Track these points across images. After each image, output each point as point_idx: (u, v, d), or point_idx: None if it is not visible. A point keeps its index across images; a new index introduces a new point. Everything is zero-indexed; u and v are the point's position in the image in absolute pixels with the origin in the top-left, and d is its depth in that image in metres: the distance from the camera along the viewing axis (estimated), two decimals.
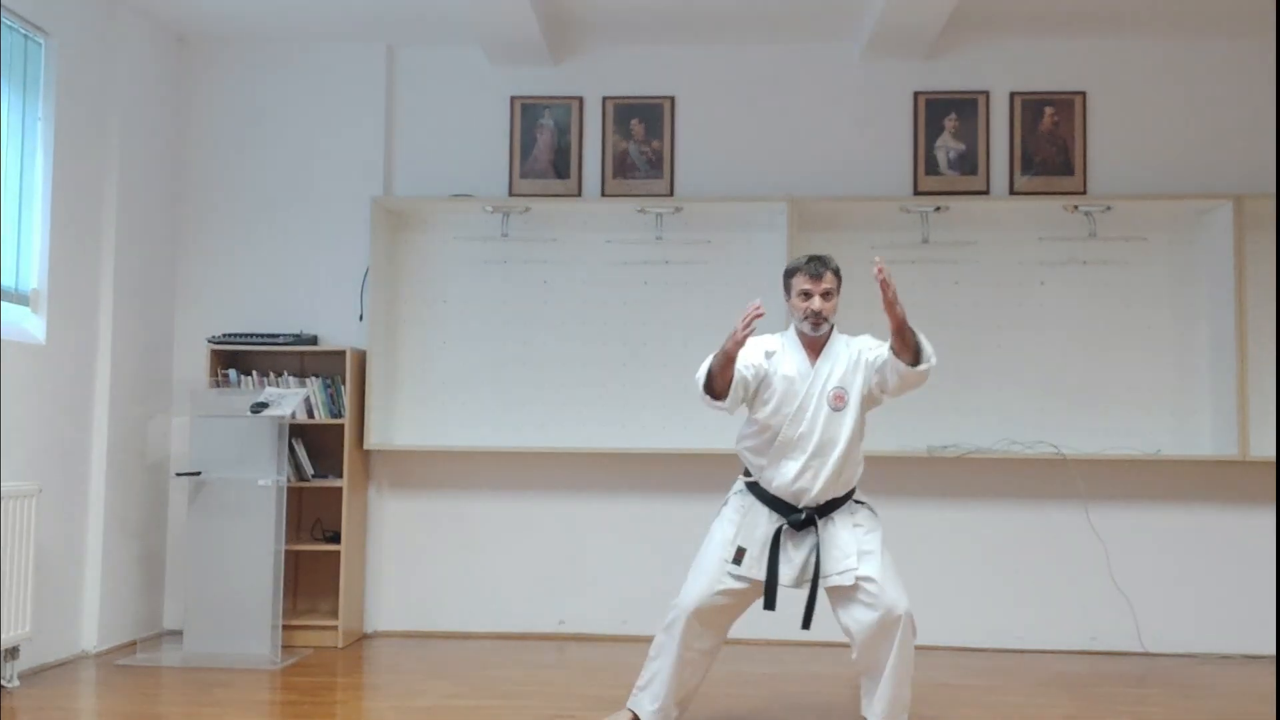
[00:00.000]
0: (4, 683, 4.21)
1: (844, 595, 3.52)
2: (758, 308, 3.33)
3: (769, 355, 3.63)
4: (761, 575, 3.54)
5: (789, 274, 3.66)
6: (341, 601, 5.12)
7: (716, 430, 5.29)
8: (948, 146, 5.42)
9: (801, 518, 3.53)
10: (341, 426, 5.21)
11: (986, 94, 5.42)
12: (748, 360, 3.56)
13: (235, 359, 5.32)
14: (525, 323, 5.45)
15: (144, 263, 5.28)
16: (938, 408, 5.06)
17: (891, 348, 3.46)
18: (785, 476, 3.55)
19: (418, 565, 5.43)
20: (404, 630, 5.41)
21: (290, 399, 4.92)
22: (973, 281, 5.29)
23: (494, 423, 5.40)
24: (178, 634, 4.99)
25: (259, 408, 4.84)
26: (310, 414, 5.23)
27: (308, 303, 5.48)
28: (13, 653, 4.25)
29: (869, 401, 3.61)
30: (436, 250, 5.49)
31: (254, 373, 5.28)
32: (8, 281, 4.48)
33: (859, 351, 3.61)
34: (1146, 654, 5.10)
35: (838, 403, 3.54)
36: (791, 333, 3.68)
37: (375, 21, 5.32)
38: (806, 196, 5.21)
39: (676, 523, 5.35)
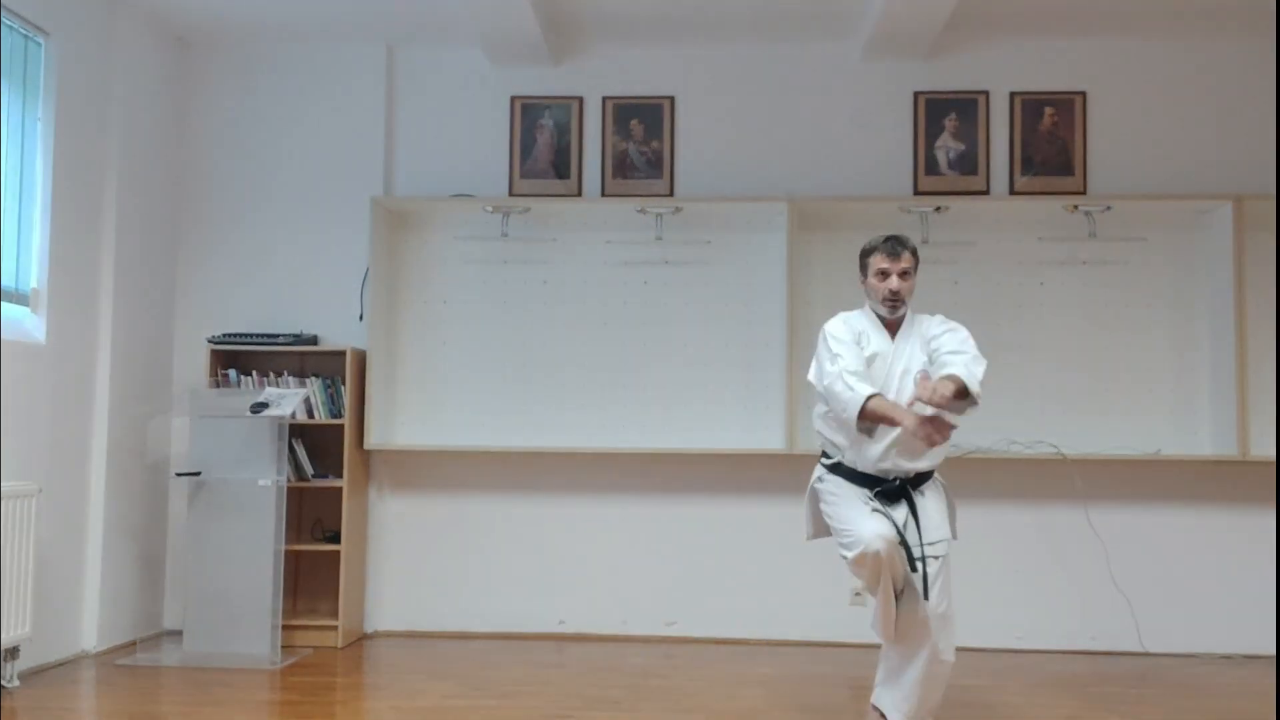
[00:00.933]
0: (4, 683, 4.21)
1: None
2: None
3: (857, 331, 3.58)
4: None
5: (865, 253, 3.63)
6: (341, 601, 5.12)
7: (716, 430, 5.32)
8: (948, 146, 5.42)
9: (895, 485, 3.49)
10: (341, 426, 5.21)
11: (986, 94, 5.42)
12: (852, 344, 3.51)
13: (235, 359, 5.32)
14: (525, 323, 5.45)
15: (144, 263, 5.28)
16: None
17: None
18: (870, 456, 3.51)
19: (418, 565, 5.43)
20: (404, 630, 5.41)
21: (290, 399, 4.92)
22: (973, 281, 5.30)
23: (494, 423, 5.40)
24: (178, 634, 4.99)
25: (259, 408, 4.84)
26: (310, 414, 5.23)
27: (308, 303, 5.48)
28: (13, 653, 4.25)
29: None
30: (436, 250, 5.49)
31: (254, 373, 5.28)
32: (8, 281, 4.48)
33: (931, 336, 3.56)
34: (1146, 654, 5.10)
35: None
36: (867, 309, 3.66)
37: (375, 21, 5.32)
38: (806, 196, 5.22)
39: (677, 523, 5.37)
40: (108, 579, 4.95)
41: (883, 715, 3.58)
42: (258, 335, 5.28)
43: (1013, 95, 5.41)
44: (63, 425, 4.74)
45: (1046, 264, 5.30)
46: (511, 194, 5.48)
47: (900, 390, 3.52)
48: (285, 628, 4.89)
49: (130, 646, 5.00)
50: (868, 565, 3.38)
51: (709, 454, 5.21)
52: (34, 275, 4.66)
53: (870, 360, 3.55)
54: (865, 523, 3.41)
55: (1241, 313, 4.93)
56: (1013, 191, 5.37)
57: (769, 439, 5.21)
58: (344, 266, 5.46)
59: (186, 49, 5.61)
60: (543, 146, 5.52)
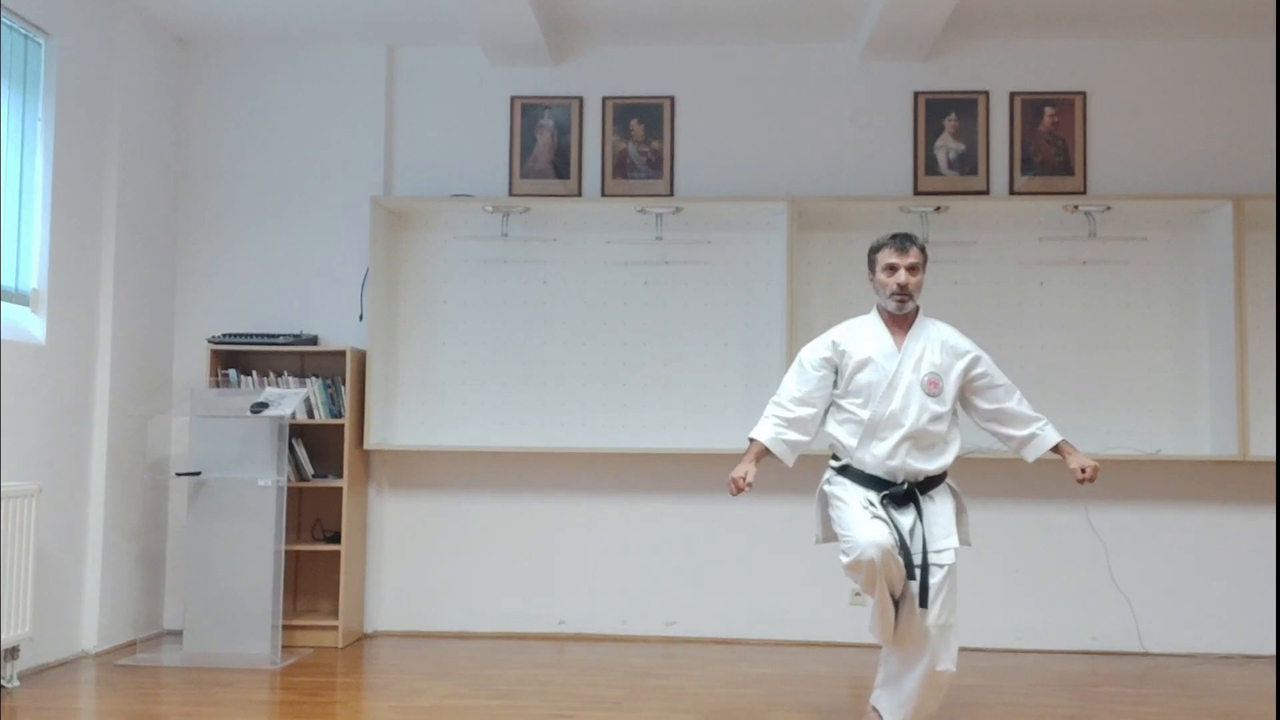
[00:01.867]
0: (4, 683, 4.21)
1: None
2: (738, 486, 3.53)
3: (838, 348, 3.62)
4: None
5: (874, 250, 3.65)
6: (341, 601, 5.12)
7: (716, 430, 5.31)
8: (948, 146, 5.42)
9: (902, 490, 3.49)
10: (341, 426, 5.21)
11: (986, 94, 5.42)
12: (809, 372, 3.63)
13: (235, 359, 5.32)
14: (525, 323, 5.45)
15: (144, 263, 5.28)
16: None
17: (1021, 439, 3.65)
18: (877, 456, 3.51)
19: (418, 565, 5.43)
20: (404, 630, 5.41)
21: (290, 399, 4.92)
22: (973, 281, 5.29)
23: (494, 423, 5.40)
24: (178, 634, 4.99)
25: (259, 408, 4.84)
26: (310, 414, 5.23)
27: (308, 303, 5.48)
28: (13, 653, 4.25)
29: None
30: (436, 250, 5.49)
31: (254, 373, 5.28)
32: (8, 281, 4.48)
33: (956, 353, 3.60)
34: (1146, 654, 5.10)
35: (932, 388, 3.52)
36: (874, 313, 3.68)
37: (375, 22, 5.32)
38: (806, 196, 5.22)
39: (677, 523, 5.37)
40: (108, 579, 4.95)
41: (881, 717, 3.58)
42: (258, 335, 5.28)
43: (1013, 95, 5.41)
44: (63, 425, 4.74)
45: (1046, 264, 5.30)
46: (511, 194, 5.48)
47: (910, 390, 3.52)
48: (285, 628, 4.90)
49: (130, 646, 5.00)
50: (862, 571, 3.39)
51: (709, 454, 5.21)
52: (34, 275, 4.66)
53: (862, 365, 3.57)
54: (863, 528, 3.41)
55: (1241, 312, 4.93)
56: (1013, 191, 5.36)
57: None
58: (344, 266, 5.46)
59: (186, 49, 5.61)
60: (543, 146, 5.52)
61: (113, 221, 5.04)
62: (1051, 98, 5.40)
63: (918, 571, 3.37)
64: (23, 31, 4.57)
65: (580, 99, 5.53)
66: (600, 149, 5.50)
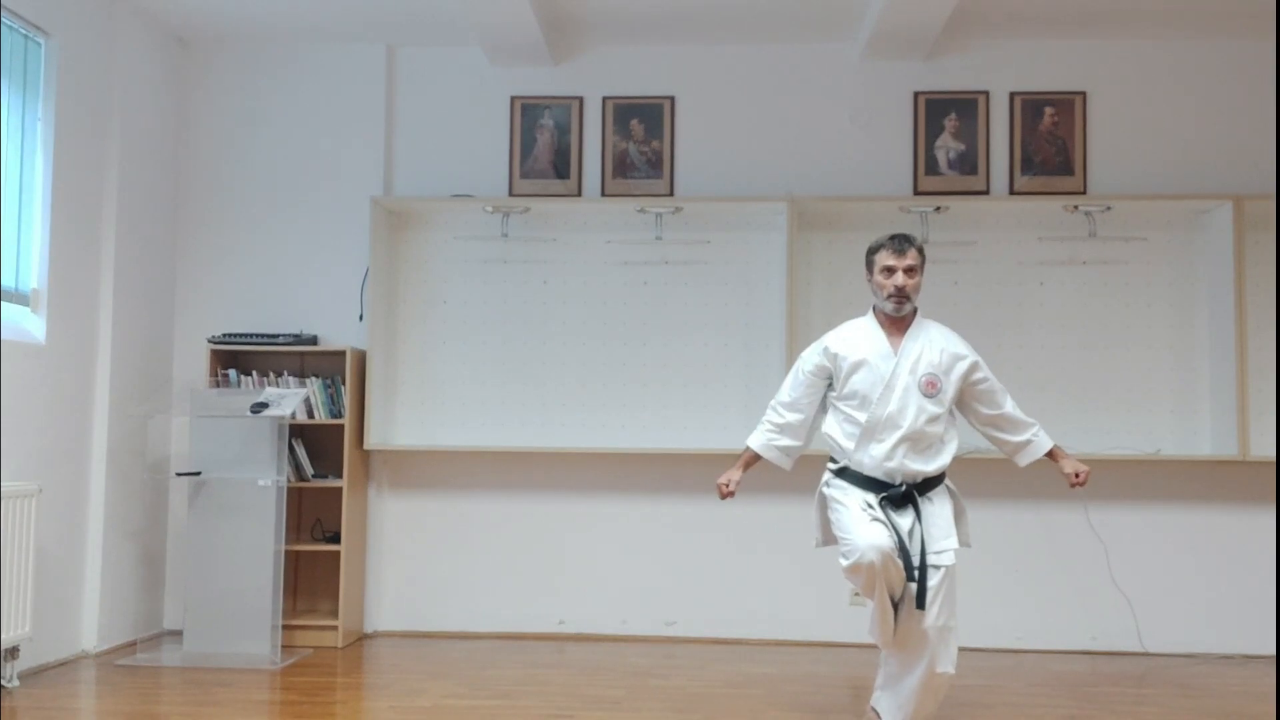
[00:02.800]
0: (4, 683, 4.21)
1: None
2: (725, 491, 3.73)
3: (829, 352, 3.64)
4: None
5: (872, 251, 3.65)
6: (341, 601, 5.12)
7: (716, 431, 5.31)
8: (948, 146, 5.41)
9: (900, 491, 3.50)
10: (341, 426, 5.21)
11: (986, 94, 5.42)
12: (808, 377, 3.67)
13: (235, 359, 5.33)
14: (525, 323, 5.45)
15: (144, 263, 5.28)
16: None
17: (1014, 443, 3.71)
18: (875, 457, 3.52)
19: (418, 565, 5.43)
20: (404, 630, 5.41)
21: (290, 399, 4.92)
22: (973, 281, 5.29)
23: (494, 423, 5.41)
24: (178, 634, 5.00)
25: (259, 408, 4.84)
26: (310, 414, 5.23)
27: (308, 303, 5.48)
28: (13, 653, 4.25)
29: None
30: (436, 250, 5.49)
31: (254, 373, 5.28)
32: (8, 281, 4.48)
33: (955, 356, 3.61)
34: (1146, 654, 5.10)
35: (930, 389, 3.53)
36: (870, 315, 3.68)
37: (375, 21, 5.32)
38: (806, 196, 5.22)
39: (677, 523, 5.37)
40: (108, 579, 4.95)
41: (880, 718, 3.58)
42: (258, 335, 5.28)
43: (1013, 95, 5.41)
44: (63, 425, 4.74)
45: (1046, 264, 5.29)
46: (511, 194, 5.48)
47: (907, 391, 3.52)
48: (285, 628, 4.90)
49: (130, 646, 5.00)
50: (862, 574, 3.40)
51: (709, 454, 5.21)
52: (34, 275, 4.66)
53: (857, 367, 3.58)
54: (862, 531, 3.41)
55: (1241, 313, 4.93)
56: (1013, 191, 5.36)
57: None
58: (344, 266, 5.46)
59: (186, 49, 5.61)
60: (543, 146, 5.52)
61: (113, 221, 5.04)
62: (1051, 98, 5.40)
63: (916, 573, 3.37)
64: (23, 31, 4.57)
65: (580, 99, 5.53)
66: (600, 149, 5.50)
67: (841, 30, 5.32)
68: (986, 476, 5.15)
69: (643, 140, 5.50)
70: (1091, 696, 4.34)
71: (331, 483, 5.21)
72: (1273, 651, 5.04)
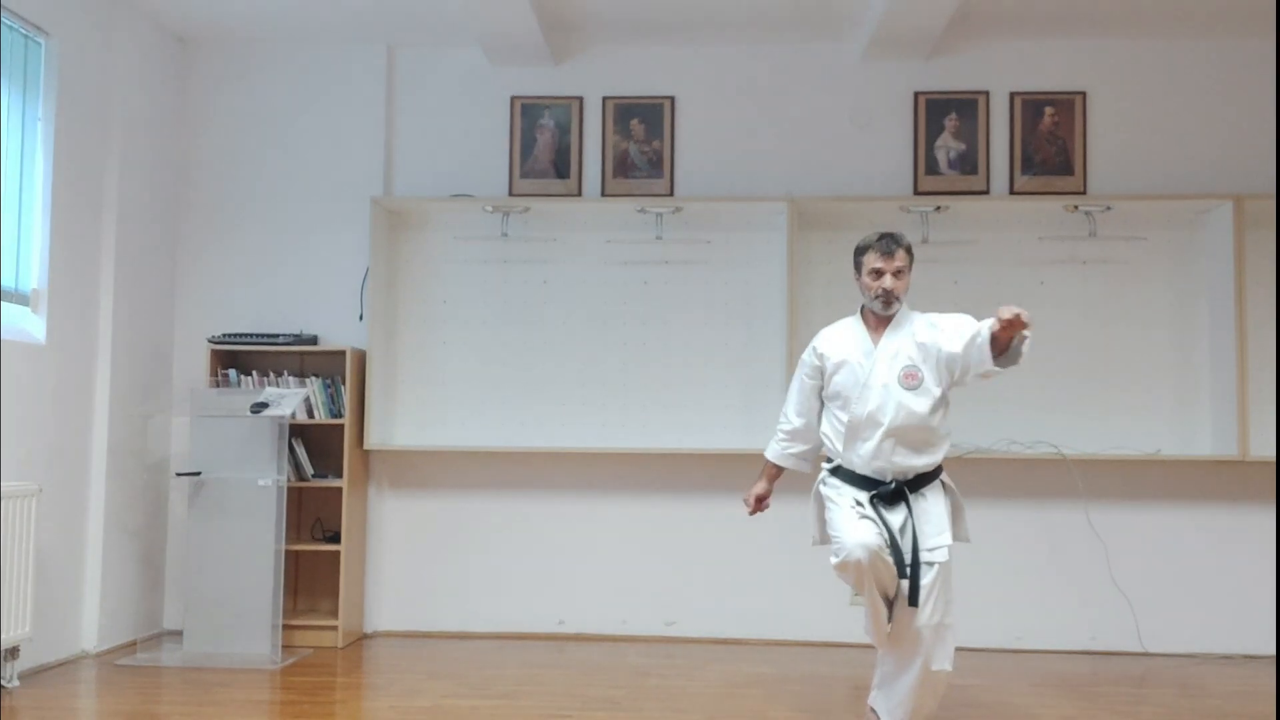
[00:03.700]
0: (4, 683, 4.21)
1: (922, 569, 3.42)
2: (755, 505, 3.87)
3: (817, 351, 3.67)
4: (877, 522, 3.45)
5: (860, 251, 3.63)
6: (341, 601, 5.12)
7: (716, 430, 5.32)
8: (948, 146, 5.42)
9: (890, 489, 3.49)
10: (341, 426, 5.21)
11: (986, 94, 5.42)
12: (808, 381, 3.72)
13: (235, 359, 5.33)
14: (525, 323, 5.45)
15: (144, 263, 5.28)
16: None
17: (990, 338, 3.32)
18: (863, 455, 3.52)
19: (418, 565, 5.43)
20: (404, 630, 5.41)
21: (290, 399, 4.92)
22: (973, 281, 5.29)
23: (494, 423, 5.41)
24: (178, 634, 4.99)
25: (259, 408, 4.84)
26: (310, 414, 5.23)
27: (308, 303, 5.48)
28: (13, 653, 4.25)
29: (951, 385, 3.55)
30: (436, 250, 5.49)
31: (254, 373, 5.28)
32: (8, 281, 4.48)
33: (935, 338, 3.50)
34: (1146, 654, 5.10)
35: (909, 381, 3.50)
36: (858, 314, 3.68)
37: (375, 22, 5.32)
38: (806, 196, 5.22)
39: (676, 522, 5.37)
40: (108, 579, 4.95)
41: (878, 717, 3.58)
42: (258, 335, 5.28)
43: (1013, 95, 5.41)
44: (63, 425, 4.74)
45: (1046, 263, 5.29)
46: (511, 194, 5.48)
47: (887, 387, 3.50)
48: (285, 628, 4.90)
49: (130, 646, 5.00)
50: (850, 572, 3.41)
51: (708, 454, 5.21)
52: (34, 275, 4.66)
53: (839, 367, 3.59)
54: (851, 529, 3.42)
55: (1241, 312, 4.93)
56: (1013, 191, 5.36)
57: (769, 439, 5.19)
58: (344, 266, 5.46)
59: (186, 49, 5.61)
60: (543, 146, 5.52)
61: (113, 221, 5.04)
62: (1051, 98, 5.40)
63: (908, 570, 3.37)
64: (23, 31, 4.57)
65: (580, 99, 5.53)
66: (600, 149, 5.50)
67: (842, 30, 5.32)
68: (988, 476, 5.16)
69: (643, 140, 5.50)
70: (1091, 696, 4.34)
71: (331, 483, 5.21)
72: (1273, 651, 5.03)
